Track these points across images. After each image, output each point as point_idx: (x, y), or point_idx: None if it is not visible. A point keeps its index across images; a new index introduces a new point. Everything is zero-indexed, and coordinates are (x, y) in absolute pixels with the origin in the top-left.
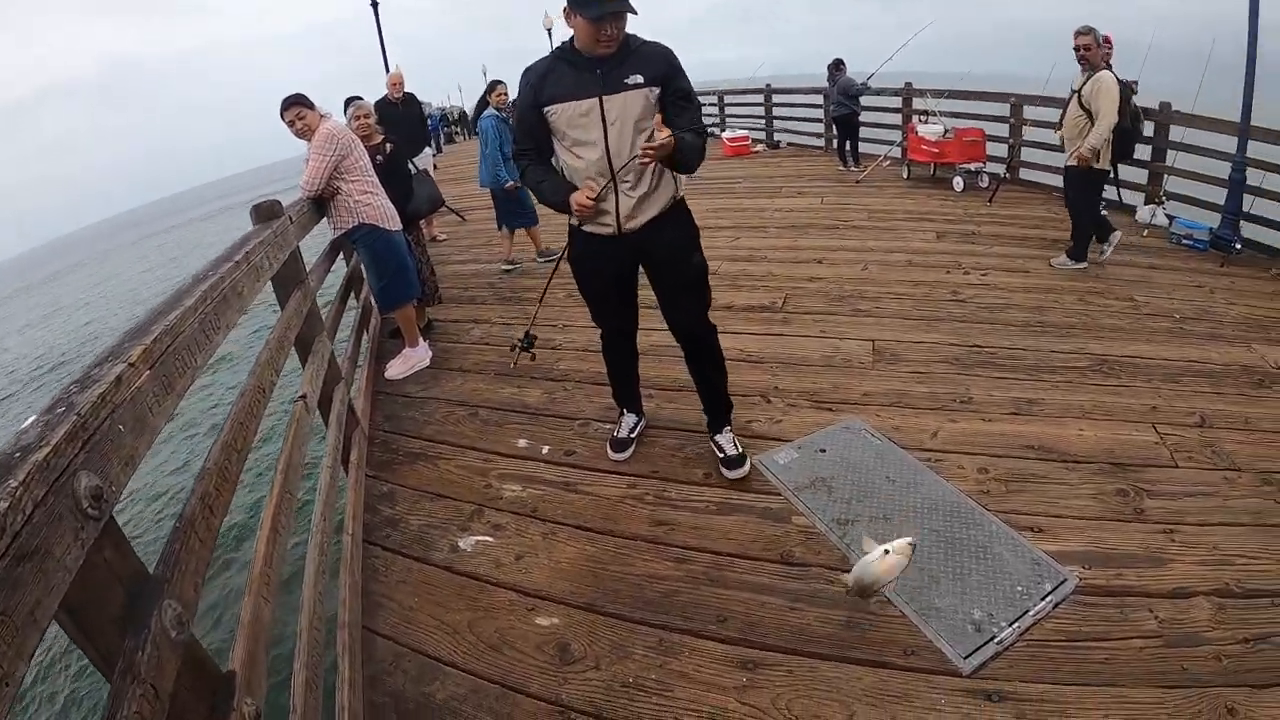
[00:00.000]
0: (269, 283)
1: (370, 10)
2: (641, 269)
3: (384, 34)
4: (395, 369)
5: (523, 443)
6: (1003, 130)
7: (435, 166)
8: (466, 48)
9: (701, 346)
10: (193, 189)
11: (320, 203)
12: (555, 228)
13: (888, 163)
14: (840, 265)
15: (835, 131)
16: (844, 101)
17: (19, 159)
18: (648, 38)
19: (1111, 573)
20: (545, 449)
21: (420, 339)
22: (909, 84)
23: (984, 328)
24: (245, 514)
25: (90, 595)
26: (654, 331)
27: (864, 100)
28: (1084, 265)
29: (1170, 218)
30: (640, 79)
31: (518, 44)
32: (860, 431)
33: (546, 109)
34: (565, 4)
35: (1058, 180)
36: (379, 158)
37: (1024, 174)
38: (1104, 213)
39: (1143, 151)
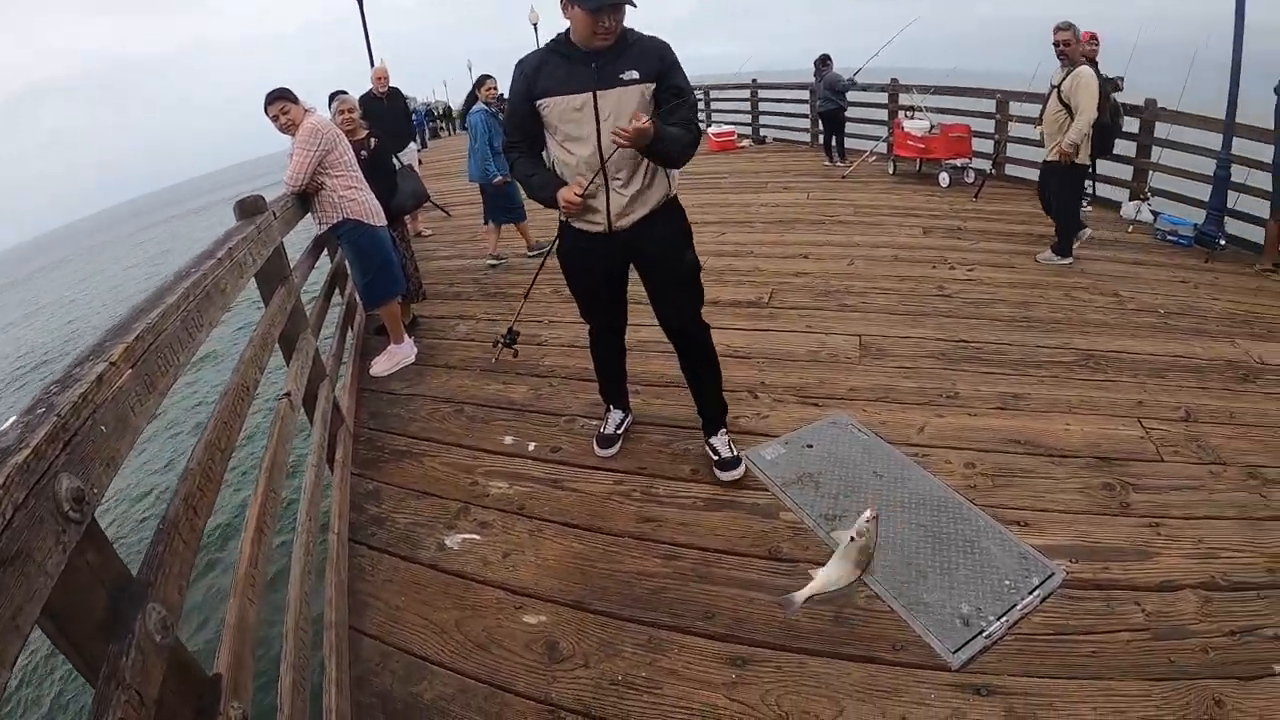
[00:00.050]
0: (253, 279)
1: (356, 6)
2: (632, 266)
3: (370, 30)
4: (380, 366)
5: (509, 439)
6: (988, 126)
7: (420, 161)
8: (452, 44)
9: (694, 345)
10: (191, 180)
11: (304, 198)
12: (542, 223)
13: (874, 158)
14: (826, 260)
15: (821, 127)
16: (830, 97)
17: (19, 155)
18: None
19: (1098, 566)
20: (532, 446)
21: (405, 335)
22: (895, 80)
23: (970, 323)
24: (230, 514)
25: (73, 600)
26: (641, 327)
27: (850, 96)
28: (1070, 260)
29: (1155, 214)
30: (635, 74)
31: (504, 40)
32: (847, 427)
33: (539, 102)
34: None
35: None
36: (363, 153)
37: (1010, 170)
38: (1088, 208)
39: (1128, 148)
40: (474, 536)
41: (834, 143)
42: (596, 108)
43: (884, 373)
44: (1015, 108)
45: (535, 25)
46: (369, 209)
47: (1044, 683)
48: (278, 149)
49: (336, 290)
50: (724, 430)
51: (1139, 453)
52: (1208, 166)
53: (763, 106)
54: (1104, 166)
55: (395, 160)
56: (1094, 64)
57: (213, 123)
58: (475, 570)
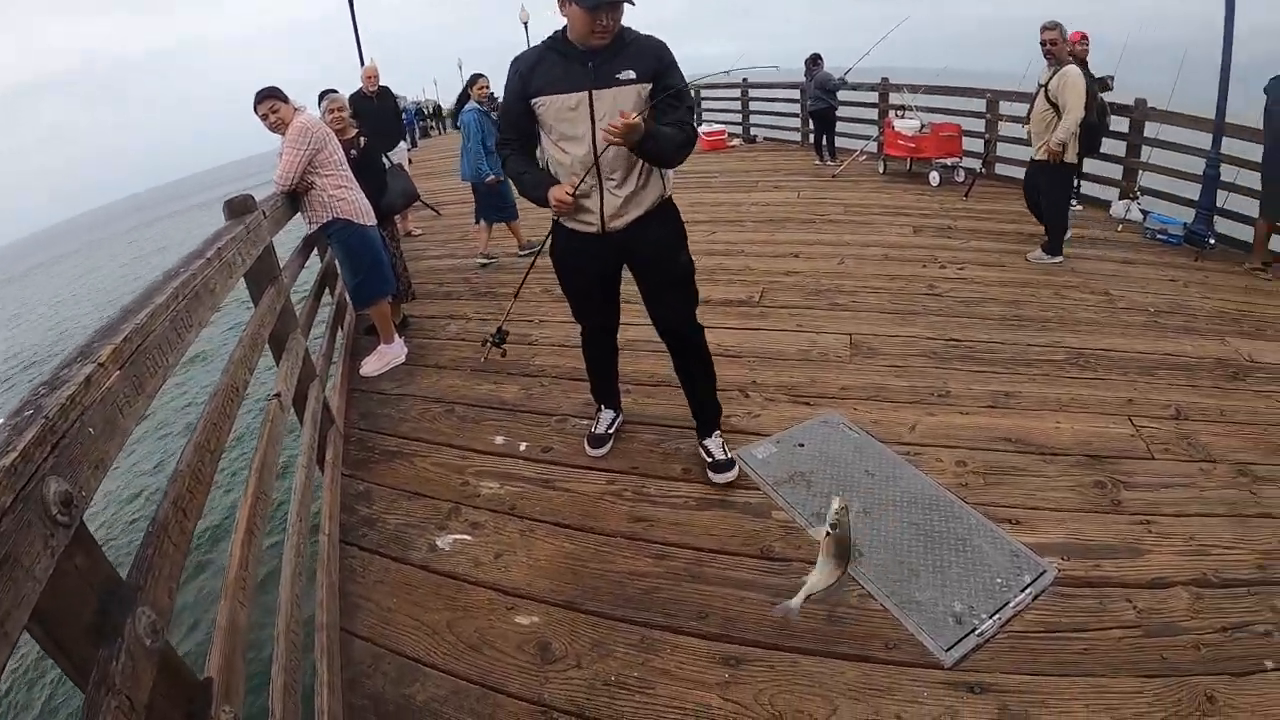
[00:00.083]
0: (242, 279)
1: (347, 6)
2: (626, 267)
3: (360, 28)
4: (371, 366)
5: (500, 439)
6: (979, 125)
7: (410, 161)
8: (442, 43)
9: (688, 346)
10: (194, 175)
11: (294, 197)
12: (534, 222)
13: (864, 157)
14: (817, 259)
15: (812, 126)
16: (821, 96)
17: (19, 150)
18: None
19: (1090, 564)
20: (523, 445)
21: (395, 335)
22: (885, 79)
23: (961, 321)
24: (220, 515)
25: (61, 604)
26: (632, 326)
27: (841, 95)
28: (1060, 259)
29: (1145, 213)
30: (632, 74)
31: (494, 39)
32: (838, 425)
33: (534, 100)
34: None
35: None
36: (353, 152)
37: (1000, 169)
38: (1077, 207)
39: (1118, 147)
40: (465, 537)
41: (825, 142)
42: (592, 107)
43: (875, 371)
44: (1005, 107)
45: (525, 24)
46: (359, 208)
47: (1036, 680)
48: (277, 147)
49: (326, 290)
50: (718, 432)
51: (1130, 450)
52: (1197, 165)
53: (753, 105)
54: (1094, 165)
55: (385, 159)
56: (1084, 64)
57: (215, 118)
58: (467, 571)
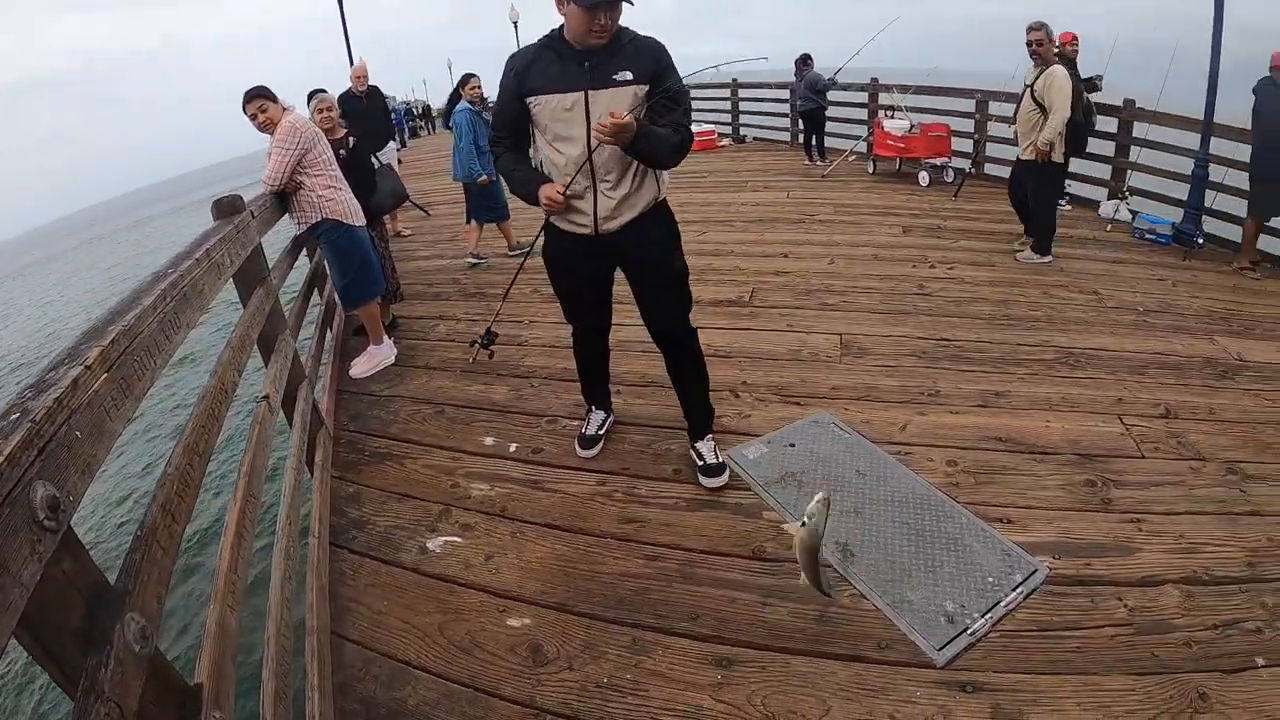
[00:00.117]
0: (230, 280)
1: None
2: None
3: (354, 28)
4: (360, 367)
5: (490, 441)
6: (968, 126)
7: (400, 161)
8: (432, 43)
9: (681, 348)
10: (194, 171)
11: (283, 198)
12: (525, 222)
13: (853, 158)
14: (807, 259)
15: (802, 126)
16: (811, 96)
17: (18, 149)
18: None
19: (1081, 562)
20: (513, 447)
21: (385, 336)
22: (875, 79)
23: (951, 321)
24: (209, 519)
25: (49, 610)
26: (623, 327)
27: (830, 95)
28: (1049, 259)
29: (1133, 213)
30: (629, 75)
31: (484, 39)
32: (829, 425)
33: (529, 100)
34: None
35: None
36: (341, 152)
37: (989, 169)
38: (1066, 206)
39: (1107, 147)
40: (456, 539)
41: (814, 142)
42: (587, 108)
43: (865, 371)
44: (995, 107)
45: (515, 24)
46: (348, 209)
47: (1029, 679)
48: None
49: (315, 291)
50: (710, 435)
51: (1120, 449)
52: (1186, 166)
53: (743, 105)
54: (1083, 165)
55: (374, 159)
56: (1074, 64)
57: (216, 117)
58: (457, 573)
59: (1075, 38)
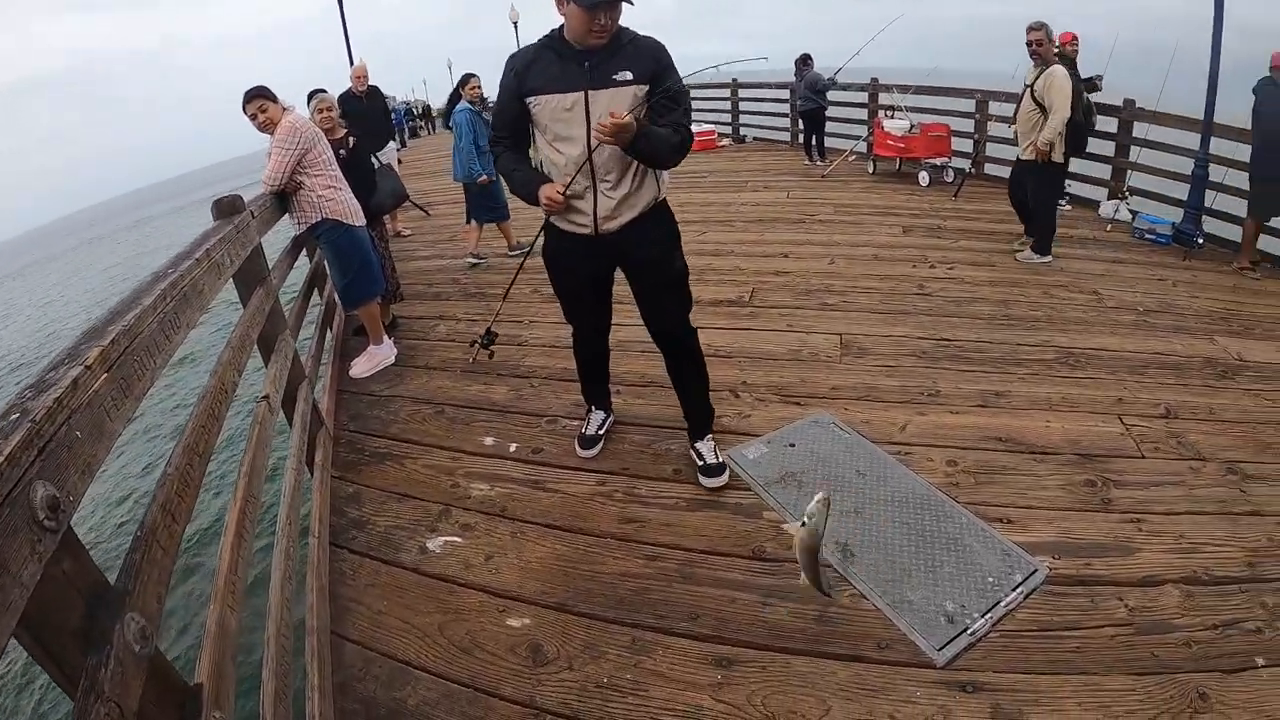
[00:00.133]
0: (230, 280)
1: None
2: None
3: (355, 28)
4: (360, 367)
5: (490, 441)
6: (968, 126)
7: (400, 161)
8: (432, 43)
9: (682, 349)
10: (194, 171)
11: (283, 198)
12: (525, 222)
13: (853, 158)
14: (807, 259)
15: (802, 126)
16: (811, 96)
17: (18, 149)
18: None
19: (1081, 562)
20: (513, 447)
21: (385, 336)
22: (875, 79)
23: (951, 321)
24: (209, 519)
25: (49, 611)
26: (622, 327)
27: (830, 95)
28: (1049, 259)
29: (1133, 213)
30: (629, 75)
31: (485, 39)
32: (829, 425)
33: (529, 100)
34: None
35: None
36: (341, 152)
37: (989, 169)
38: (1067, 207)
39: (1107, 147)
40: (456, 539)
41: (814, 142)
42: (587, 108)
43: (865, 371)
44: (995, 107)
45: (515, 24)
46: (348, 209)
47: (1029, 679)
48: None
49: (315, 291)
50: (710, 436)
51: (1120, 449)
52: (1186, 166)
53: (743, 105)
54: (1083, 165)
55: (374, 159)
56: (1074, 64)
57: (217, 116)
58: (457, 573)
59: (1075, 38)
